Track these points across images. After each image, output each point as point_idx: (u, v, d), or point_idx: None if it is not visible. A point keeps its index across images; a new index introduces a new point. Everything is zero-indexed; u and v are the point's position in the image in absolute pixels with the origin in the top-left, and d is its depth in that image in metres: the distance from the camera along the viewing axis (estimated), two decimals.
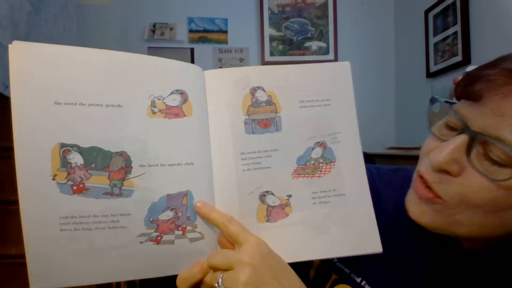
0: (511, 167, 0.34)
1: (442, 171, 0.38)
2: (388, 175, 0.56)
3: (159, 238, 0.40)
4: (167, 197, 0.40)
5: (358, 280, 0.50)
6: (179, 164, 0.41)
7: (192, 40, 2.29)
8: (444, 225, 0.40)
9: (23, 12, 1.26)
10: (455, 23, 1.71)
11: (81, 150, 0.37)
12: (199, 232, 0.42)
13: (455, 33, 1.71)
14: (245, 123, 0.44)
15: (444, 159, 0.37)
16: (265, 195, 0.44)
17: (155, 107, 0.40)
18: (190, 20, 2.29)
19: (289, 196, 0.45)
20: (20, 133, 0.36)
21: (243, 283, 0.36)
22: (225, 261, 0.39)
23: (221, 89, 0.44)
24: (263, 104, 0.44)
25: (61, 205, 0.37)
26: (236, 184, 0.43)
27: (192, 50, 2.28)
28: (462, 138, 0.37)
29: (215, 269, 0.40)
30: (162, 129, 0.40)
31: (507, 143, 0.34)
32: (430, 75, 1.96)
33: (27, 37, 1.29)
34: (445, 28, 1.81)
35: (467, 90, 0.39)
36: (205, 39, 2.30)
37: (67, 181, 0.37)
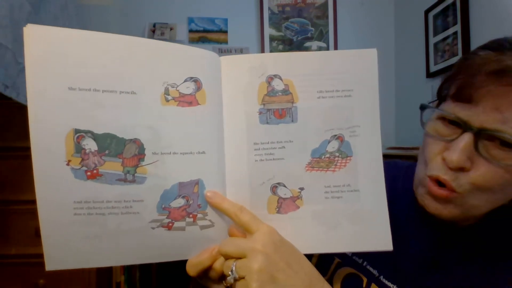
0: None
1: (459, 169, 0.42)
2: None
3: (170, 224, 0.41)
4: (179, 185, 0.41)
5: (360, 261, 0.52)
6: (191, 152, 0.41)
7: (192, 40, 2.29)
8: (462, 213, 0.44)
9: (23, 12, 1.26)
10: (455, 23, 1.71)
11: (95, 137, 0.37)
12: (210, 220, 0.42)
13: (455, 33, 1.71)
14: (260, 113, 0.43)
15: (460, 158, 0.41)
16: (276, 187, 0.44)
17: (168, 94, 0.40)
18: (190, 20, 2.29)
19: (301, 189, 0.44)
20: (35, 118, 0.36)
21: (256, 271, 0.37)
22: (237, 249, 0.40)
23: (237, 77, 0.43)
24: (279, 93, 0.43)
25: (75, 190, 0.37)
26: (248, 174, 0.43)
27: None
28: (468, 136, 0.41)
29: (227, 257, 0.41)
30: (175, 117, 0.40)
31: (506, 132, 0.39)
32: (430, 75, 1.96)
33: None
34: (445, 28, 1.81)
35: (461, 95, 0.43)
36: (205, 39, 2.30)
37: (81, 167, 0.37)
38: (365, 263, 0.52)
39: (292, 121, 0.43)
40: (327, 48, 2.32)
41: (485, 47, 0.46)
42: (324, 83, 0.43)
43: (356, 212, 0.44)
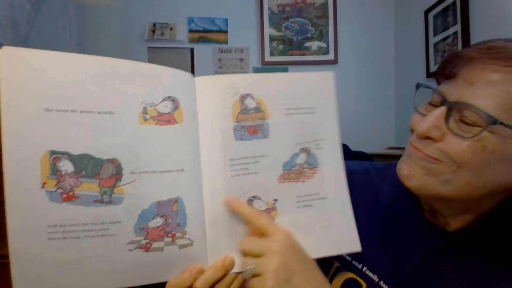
0: (480, 127, 0.40)
1: (426, 137, 0.44)
2: (382, 169, 0.60)
3: (148, 245, 0.40)
4: (158, 203, 0.40)
5: (359, 266, 0.52)
6: (170, 170, 0.41)
7: (192, 40, 2.29)
8: (432, 185, 0.44)
9: (23, 12, 1.26)
10: (455, 23, 1.71)
11: (71, 158, 0.37)
12: (189, 239, 0.42)
13: (455, 33, 1.71)
14: (234, 130, 0.45)
15: (427, 127, 0.43)
16: (252, 200, 0.45)
17: (147, 114, 0.40)
18: (190, 20, 2.29)
19: (275, 200, 0.46)
20: (9, 141, 0.35)
21: (273, 270, 0.39)
22: (256, 248, 0.41)
23: (211, 96, 0.45)
24: (252, 111, 0.45)
25: (49, 214, 0.36)
26: (225, 189, 0.44)
27: (192, 50, 2.28)
28: (441, 109, 0.43)
29: (245, 255, 0.43)
30: (154, 136, 0.40)
31: (477, 106, 0.40)
32: (430, 75, 1.96)
33: (27, 37, 1.29)
34: (445, 28, 1.81)
35: (444, 70, 0.45)
36: (205, 39, 2.30)
37: (57, 189, 0.36)
38: (364, 268, 0.52)
39: (264, 136, 0.46)
40: (327, 48, 2.32)
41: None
42: (291, 101, 0.47)
43: (326, 218, 0.47)
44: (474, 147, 0.41)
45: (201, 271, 0.42)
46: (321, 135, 0.48)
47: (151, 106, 0.40)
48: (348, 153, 1.63)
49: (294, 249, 0.41)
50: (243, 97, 0.45)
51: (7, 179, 0.35)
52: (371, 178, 0.59)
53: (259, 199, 0.46)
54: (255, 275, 0.40)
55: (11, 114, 0.35)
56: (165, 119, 0.41)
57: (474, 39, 1.61)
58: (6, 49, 0.35)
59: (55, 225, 0.36)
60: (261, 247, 0.41)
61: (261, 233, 0.43)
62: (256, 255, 0.41)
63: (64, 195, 0.36)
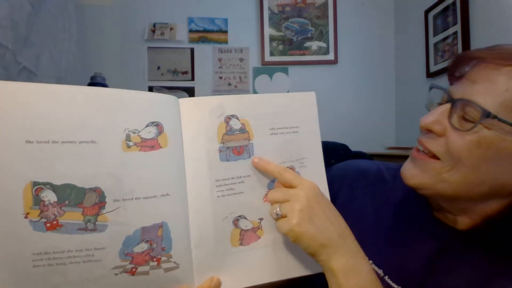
0: (475, 122, 0.42)
1: (429, 131, 0.46)
2: (395, 169, 0.61)
3: (134, 269, 0.41)
4: (142, 230, 0.40)
5: None
6: (154, 196, 0.41)
7: (192, 40, 2.29)
8: (431, 183, 0.46)
9: (23, 12, 1.26)
10: (455, 23, 1.71)
11: (54, 188, 0.37)
12: (174, 262, 0.43)
13: (455, 33, 1.71)
14: (220, 151, 0.45)
15: (429, 120, 0.45)
16: (238, 220, 0.46)
17: (130, 140, 0.40)
18: (190, 20, 2.29)
19: (261, 219, 0.47)
20: None
21: (297, 210, 0.43)
22: (283, 195, 0.45)
23: (196, 118, 0.45)
24: (237, 132, 0.46)
25: (33, 242, 0.36)
26: (211, 210, 0.45)
27: (192, 50, 2.28)
28: (446, 106, 0.45)
29: (273, 202, 0.46)
30: (138, 162, 0.40)
31: (477, 102, 0.42)
32: (430, 75, 1.96)
33: (27, 37, 1.29)
34: (445, 28, 1.81)
35: (453, 71, 0.47)
36: (205, 39, 2.30)
37: (40, 219, 0.36)
38: (370, 261, 0.53)
39: (249, 156, 0.46)
40: (327, 48, 2.32)
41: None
42: (274, 121, 0.48)
43: None
44: (470, 142, 0.42)
45: None
46: (305, 153, 0.49)
47: (134, 133, 0.40)
48: (348, 153, 1.63)
49: (317, 196, 0.45)
50: (228, 118, 0.46)
51: None
52: (383, 176, 0.60)
53: (245, 218, 0.47)
54: (282, 217, 0.44)
55: None
56: (149, 144, 0.41)
57: (474, 39, 1.61)
58: None
59: (40, 253, 0.36)
60: (287, 194, 0.44)
61: (289, 186, 0.46)
62: (283, 202, 0.44)
63: (48, 224, 0.37)
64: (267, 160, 0.47)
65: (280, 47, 2.33)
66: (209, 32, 2.30)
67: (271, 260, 0.47)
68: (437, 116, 0.45)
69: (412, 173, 0.48)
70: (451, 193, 0.45)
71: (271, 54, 2.32)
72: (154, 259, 0.41)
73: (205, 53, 2.29)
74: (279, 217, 0.44)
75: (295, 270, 0.48)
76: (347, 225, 0.46)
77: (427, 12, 1.97)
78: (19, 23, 1.22)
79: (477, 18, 1.60)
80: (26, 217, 0.36)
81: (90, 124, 0.38)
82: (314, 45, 2.33)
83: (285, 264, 0.48)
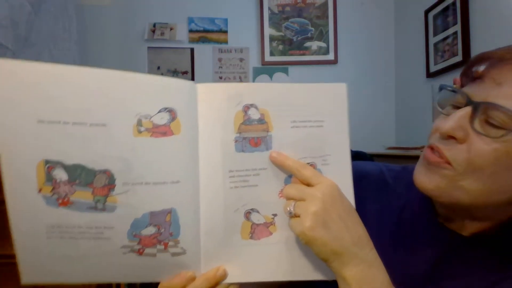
0: (505, 129, 0.39)
1: (449, 137, 0.42)
2: (397, 171, 0.60)
3: (141, 250, 0.41)
4: (150, 214, 0.41)
5: None
6: (164, 182, 0.41)
7: (192, 40, 2.29)
8: (447, 190, 0.43)
9: (23, 12, 1.26)
10: (455, 23, 1.71)
11: (65, 167, 0.38)
12: (181, 248, 0.43)
13: (455, 33, 1.71)
14: (236, 141, 0.43)
15: (450, 126, 0.41)
16: (250, 213, 0.45)
17: (141, 126, 0.39)
18: (190, 20, 2.29)
19: (275, 215, 0.45)
20: (5, 150, 0.37)
21: (312, 213, 0.40)
22: (299, 193, 0.42)
23: (213, 105, 0.43)
24: (255, 122, 0.44)
25: (47, 216, 0.38)
26: (223, 201, 0.44)
27: (192, 50, 2.28)
28: (466, 109, 0.42)
29: (288, 199, 0.43)
30: (148, 148, 0.40)
31: (506, 106, 0.39)
32: (430, 75, 1.96)
33: (27, 37, 1.29)
34: (445, 28, 1.81)
35: (470, 71, 0.44)
36: (205, 39, 2.30)
37: (53, 195, 0.38)
38: None
39: (267, 149, 0.44)
40: (327, 48, 2.32)
41: None
42: (297, 113, 0.44)
43: None
44: (498, 151, 0.39)
45: (192, 279, 0.43)
46: (329, 150, 0.45)
47: (146, 118, 0.39)
48: None
49: (336, 198, 0.41)
50: (246, 107, 0.43)
51: (6, 183, 0.37)
52: (385, 179, 0.58)
53: (258, 212, 0.45)
54: (296, 216, 0.42)
55: (6, 124, 0.36)
56: (161, 131, 0.40)
57: (474, 39, 1.61)
58: (0, 61, 0.36)
59: (53, 225, 0.39)
60: (303, 193, 0.42)
61: (307, 184, 0.43)
62: (298, 200, 0.42)
63: (60, 201, 0.38)
64: (285, 155, 0.44)
65: (280, 47, 2.33)
66: (209, 32, 2.30)
67: (282, 258, 0.45)
68: (458, 121, 0.41)
69: (429, 177, 0.44)
70: (468, 202, 0.43)
71: (271, 54, 2.32)
72: (162, 243, 0.42)
73: (205, 53, 2.29)
74: (292, 215, 0.42)
75: (306, 273, 0.46)
76: (366, 231, 0.42)
77: (427, 12, 1.97)
78: (19, 23, 1.22)
79: (477, 18, 1.60)
80: (39, 192, 0.38)
81: (101, 107, 0.38)
82: (314, 45, 2.33)
83: (296, 265, 0.46)
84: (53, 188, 0.38)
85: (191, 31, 2.29)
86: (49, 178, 0.38)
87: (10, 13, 1.16)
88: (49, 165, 0.37)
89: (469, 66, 0.45)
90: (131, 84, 0.39)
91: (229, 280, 0.45)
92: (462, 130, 0.41)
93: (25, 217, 0.38)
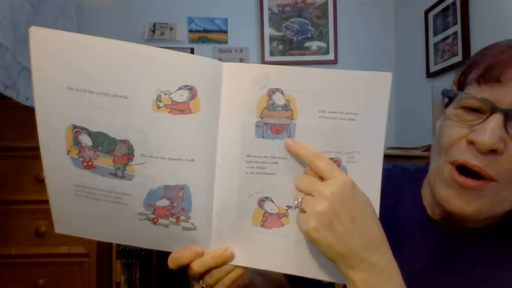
0: None
1: (490, 151, 0.39)
2: (387, 170, 0.58)
3: (155, 220, 0.44)
4: (165, 187, 0.42)
5: None
6: (179, 159, 0.41)
7: (192, 40, 2.29)
8: (491, 207, 0.41)
9: (23, 12, 1.26)
10: (455, 23, 1.71)
11: (90, 133, 0.41)
12: (192, 224, 0.44)
13: (455, 33, 1.71)
14: (256, 126, 0.42)
15: (492, 139, 0.38)
16: (263, 201, 0.44)
17: (160, 101, 0.40)
18: (190, 20, 2.29)
19: (289, 207, 0.43)
20: (40, 113, 0.40)
21: (318, 212, 0.38)
22: (308, 188, 0.40)
23: (238, 86, 0.42)
24: (279, 108, 0.41)
25: (74, 176, 0.42)
26: (237, 184, 0.43)
27: (192, 50, 2.28)
28: (498, 117, 0.39)
29: (299, 190, 0.42)
30: (166, 124, 0.41)
31: None
32: (430, 75, 1.96)
33: (27, 37, 1.29)
34: (445, 28, 1.81)
35: (488, 75, 0.41)
36: (205, 39, 2.30)
37: (79, 157, 0.41)
38: None
39: (289, 137, 0.42)
40: (327, 48, 2.32)
41: (501, 42, 0.46)
42: (328, 103, 0.41)
43: None
44: None
45: (200, 254, 0.44)
46: (358, 147, 0.41)
47: (166, 94, 0.40)
48: None
49: (347, 197, 0.38)
50: (271, 91, 0.41)
51: (42, 146, 0.41)
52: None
53: (272, 201, 0.43)
54: (302, 211, 0.40)
55: (41, 88, 0.39)
56: (179, 108, 0.40)
57: (474, 39, 1.61)
58: (34, 29, 0.38)
59: (79, 185, 0.42)
60: (312, 188, 0.39)
61: (320, 177, 0.40)
62: (307, 194, 0.40)
63: (85, 164, 0.41)
64: (301, 143, 0.41)
65: (280, 47, 2.33)
66: (209, 32, 2.30)
67: (290, 252, 0.44)
68: (496, 132, 0.39)
69: (466, 200, 0.41)
70: (503, 211, 0.42)
71: (271, 54, 2.32)
72: (174, 216, 0.43)
73: (205, 53, 2.29)
74: (299, 209, 0.40)
75: (313, 271, 0.44)
76: (381, 234, 0.39)
77: (427, 12, 1.97)
78: (19, 23, 1.22)
79: (477, 18, 1.60)
80: (68, 154, 0.41)
81: (123, 79, 0.39)
82: (314, 45, 2.33)
83: (304, 262, 0.44)
84: (79, 152, 0.41)
85: (191, 31, 2.29)
86: (76, 142, 0.41)
87: (10, 13, 1.16)
88: (76, 130, 0.40)
89: (486, 70, 0.42)
90: (154, 59, 0.40)
91: (235, 262, 0.45)
92: (502, 141, 0.39)
93: (57, 175, 0.42)
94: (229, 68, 0.42)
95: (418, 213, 0.52)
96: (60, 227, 0.46)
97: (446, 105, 0.48)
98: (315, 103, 0.41)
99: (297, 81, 0.41)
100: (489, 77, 0.41)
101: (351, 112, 0.41)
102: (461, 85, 0.47)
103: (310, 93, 0.41)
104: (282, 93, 0.41)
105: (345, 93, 0.41)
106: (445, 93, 0.46)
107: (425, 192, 0.54)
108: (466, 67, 0.47)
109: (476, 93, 0.42)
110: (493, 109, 0.40)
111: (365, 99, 0.41)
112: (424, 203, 0.53)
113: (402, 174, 0.58)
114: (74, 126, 0.40)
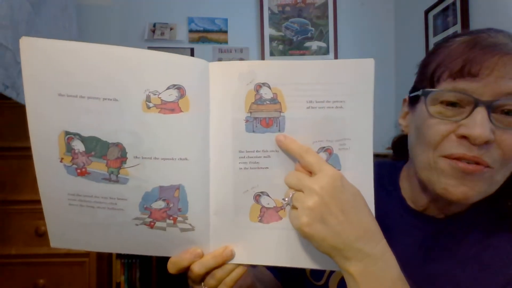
0: None
1: (485, 142, 0.41)
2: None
3: (152, 223, 0.43)
4: (160, 188, 0.42)
5: None
6: (172, 159, 0.42)
7: (192, 40, 2.29)
8: (486, 190, 0.44)
9: (23, 12, 1.26)
10: (455, 23, 1.71)
11: (82, 139, 0.41)
12: (190, 224, 0.44)
13: (455, 33, 1.71)
14: (246, 121, 0.42)
15: (485, 132, 0.41)
16: (260, 196, 0.44)
17: (150, 102, 0.40)
18: (190, 20, 2.29)
19: (285, 200, 0.43)
20: (32, 121, 0.40)
21: (308, 208, 0.39)
22: (297, 183, 0.41)
23: (225, 83, 0.42)
24: (267, 102, 0.42)
25: (68, 184, 0.42)
26: (232, 181, 0.43)
27: (192, 50, 2.28)
28: (482, 110, 0.42)
29: (289, 187, 0.42)
30: (157, 124, 0.41)
31: None
32: None
33: None
34: (445, 28, 1.81)
35: (466, 71, 0.43)
36: (205, 39, 2.30)
37: (72, 164, 0.41)
38: None
39: (279, 130, 0.42)
40: (327, 48, 2.32)
41: (455, 36, 0.48)
42: (314, 93, 0.41)
43: None
44: None
45: (200, 255, 0.44)
46: (348, 134, 0.42)
47: (155, 94, 0.40)
48: None
49: (337, 190, 0.39)
50: (258, 86, 0.41)
51: (34, 154, 0.41)
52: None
53: (268, 195, 0.44)
54: (293, 208, 0.41)
55: (32, 96, 0.39)
56: (169, 107, 0.41)
57: None
58: (24, 39, 0.39)
59: (74, 194, 0.42)
60: (302, 184, 0.40)
61: (309, 172, 0.41)
62: (297, 190, 0.41)
63: (78, 170, 0.41)
64: (292, 138, 0.41)
65: (280, 47, 2.33)
66: (209, 32, 2.30)
67: (288, 245, 0.44)
68: (485, 124, 0.41)
69: (468, 186, 0.44)
70: (491, 192, 0.45)
71: (271, 54, 2.32)
72: (171, 218, 0.43)
73: (205, 53, 2.29)
74: (290, 205, 0.41)
75: (311, 262, 0.44)
76: (374, 224, 0.40)
77: (427, 12, 1.97)
78: (19, 23, 1.22)
79: (477, 18, 1.60)
80: (61, 161, 0.41)
81: (112, 82, 0.40)
82: (314, 45, 2.33)
83: (302, 253, 0.44)
84: (72, 158, 0.41)
85: (191, 31, 2.29)
86: (69, 148, 0.41)
87: (10, 13, 1.16)
88: (69, 136, 0.40)
89: (463, 66, 0.44)
90: (141, 60, 0.40)
91: (236, 260, 0.45)
92: (492, 132, 0.42)
93: (50, 185, 0.42)
94: (215, 66, 0.42)
95: (399, 205, 0.54)
96: (55, 241, 0.45)
97: (413, 103, 0.50)
98: (302, 94, 0.42)
99: (282, 74, 0.42)
100: (467, 72, 0.43)
101: (338, 100, 0.41)
102: (431, 82, 0.47)
103: (296, 85, 0.41)
104: (269, 87, 0.42)
105: (330, 82, 0.41)
106: (425, 93, 0.47)
107: (404, 185, 0.56)
108: (435, 66, 0.47)
109: (453, 88, 0.44)
110: (476, 102, 0.42)
111: (351, 87, 0.41)
112: (403, 195, 0.55)
113: (379, 169, 0.59)
114: (67, 133, 0.40)
